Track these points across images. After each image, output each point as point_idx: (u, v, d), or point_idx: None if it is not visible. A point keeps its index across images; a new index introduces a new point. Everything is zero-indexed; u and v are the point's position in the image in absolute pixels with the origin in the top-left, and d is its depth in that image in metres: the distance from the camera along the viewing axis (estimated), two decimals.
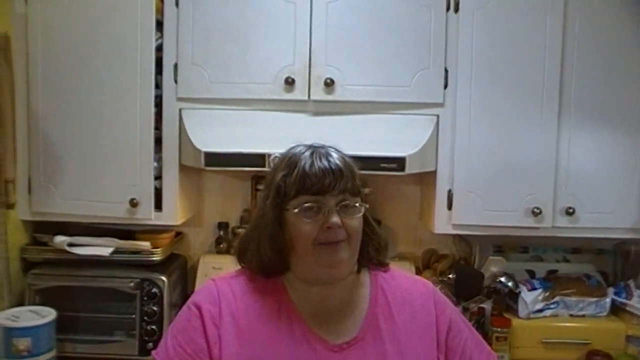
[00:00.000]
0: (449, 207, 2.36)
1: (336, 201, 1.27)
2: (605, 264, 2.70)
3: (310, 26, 2.29)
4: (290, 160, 1.31)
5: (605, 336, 2.39)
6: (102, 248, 2.38)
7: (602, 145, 2.33)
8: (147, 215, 2.34)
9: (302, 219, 1.27)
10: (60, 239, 2.37)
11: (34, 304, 2.33)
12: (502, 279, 2.47)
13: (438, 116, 2.33)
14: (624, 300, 2.45)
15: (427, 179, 2.53)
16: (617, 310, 2.49)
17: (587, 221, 2.35)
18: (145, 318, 2.36)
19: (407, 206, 2.76)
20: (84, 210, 2.36)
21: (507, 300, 2.51)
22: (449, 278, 2.55)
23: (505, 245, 2.68)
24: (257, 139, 2.24)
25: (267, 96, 2.32)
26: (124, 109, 2.31)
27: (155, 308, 2.36)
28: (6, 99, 2.24)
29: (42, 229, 2.49)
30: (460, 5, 2.29)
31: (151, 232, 2.49)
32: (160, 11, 2.31)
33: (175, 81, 2.33)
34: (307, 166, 1.28)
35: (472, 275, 2.53)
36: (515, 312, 2.46)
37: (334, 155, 1.31)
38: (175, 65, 2.33)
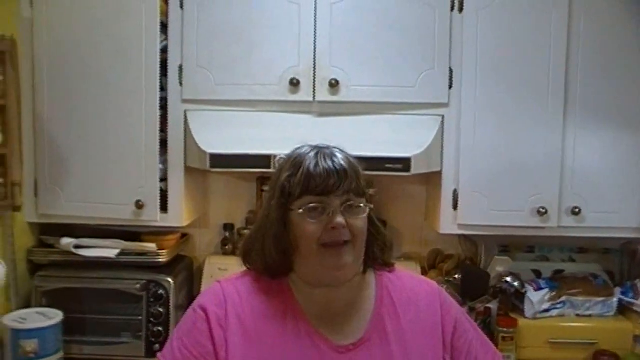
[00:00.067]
0: (455, 207, 2.36)
1: (341, 201, 1.27)
2: (612, 263, 2.70)
3: (315, 27, 2.29)
4: (295, 161, 1.32)
5: (613, 336, 2.38)
6: (108, 250, 2.38)
7: (608, 144, 2.32)
8: (153, 217, 2.35)
9: (307, 219, 1.27)
10: (67, 241, 2.38)
11: (41, 306, 2.34)
12: (508, 279, 2.47)
13: (443, 116, 2.33)
14: (631, 300, 2.44)
15: (432, 179, 2.53)
16: (624, 310, 2.48)
17: (593, 221, 2.34)
18: (152, 319, 2.37)
19: (412, 206, 2.76)
20: (90, 212, 2.37)
21: (514, 300, 2.50)
22: (455, 278, 2.55)
23: (511, 245, 2.67)
24: (262, 140, 2.24)
25: (272, 97, 2.32)
26: (129, 111, 2.31)
27: (161, 309, 2.36)
28: (12, 102, 2.25)
29: (48, 231, 2.50)
30: (465, 5, 2.29)
31: (157, 233, 2.49)
32: (164, 13, 2.32)
33: (181, 83, 2.34)
34: (311, 167, 1.28)
35: (478, 275, 2.52)
36: (521, 312, 2.45)
37: (339, 155, 1.31)
38: (180, 67, 2.33)
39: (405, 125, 2.31)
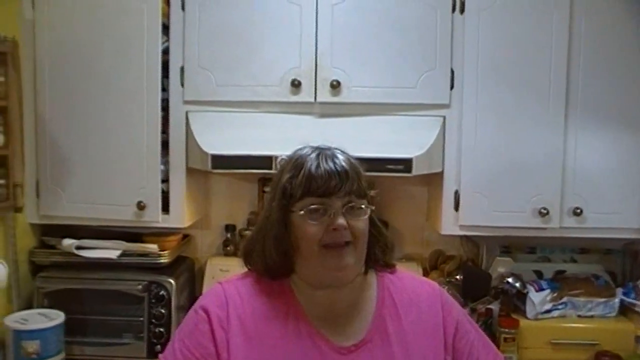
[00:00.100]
0: (456, 208, 2.36)
1: (342, 203, 1.27)
2: (614, 264, 2.69)
3: (316, 28, 2.29)
4: (296, 162, 1.31)
5: (614, 337, 2.37)
6: (110, 251, 2.39)
7: (609, 145, 2.32)
8: (155, 218, 2.35)
9: (308, 220, 1.26)
10: (68, 242, 2.39)
11: (43, 306, 2.34)
12: (510, 280, 2.47)
13: (444, 117, 2.33)
14: (633, 301, 2.44)
15: (433, 180, 2.53)
16: (626, 310, 2.47)
17: (594, 221, 2.34)
18: (153, 320, 2.37)
19: (414, 207, 2.76)
20: (92, 213, 2.37)
21: (515, 301, 2.50)
22: (457, 279, 2.55)
23: (512, 245, 2.67)
24: (263, 141, 2.25)
25: (273, 98, 2.32)
26: (130, 112, 2.32)
27: (163, 310, 2.37)
28: (14, 103, 2.25)
29: (50, 232, 2.51)
30: (466, 6, 2.29)
31: (158, 234, 2.49)
32: (166, 14, 2.32)
33: (182, 84, 2.34)
34: (313, 168, 1.28)
35: (480, 276, 2.52)
36: (523, 313, 2.45)
37: (340, 157, 1.31)
38: (182, 69, 2.34)
39: (407, 126, 2.31)
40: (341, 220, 1.25)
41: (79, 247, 2.38)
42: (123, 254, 2.39)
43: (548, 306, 2.43)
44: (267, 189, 2.53)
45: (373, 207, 1.33)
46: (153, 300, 2.37)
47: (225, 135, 2.30)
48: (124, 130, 2.33)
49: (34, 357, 2.13)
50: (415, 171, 2.21)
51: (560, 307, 2.44)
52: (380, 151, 2.19)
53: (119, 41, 2.31)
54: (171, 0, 2.32)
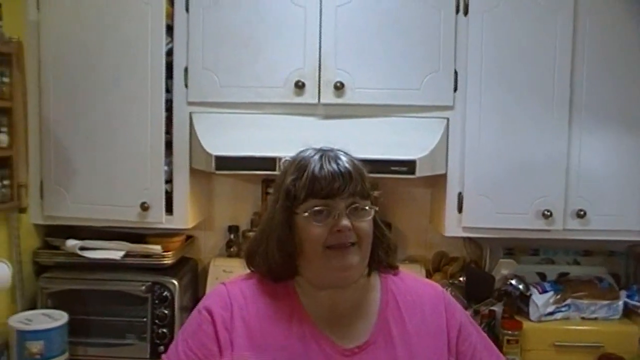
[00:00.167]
0: (460, 209, 2.35)
1: (346, 204, 1.27)
2: (617, 266, 2.69)
3: (320, 30, 2.29)
4: (299, 164, 1.31)
5: (618, 339, 2.37)
6: (114, 252, 2.39)
7: (613, 147, 2.32)
8: (158, 219, 2.35)
9: (312, 222, 1.26)
10: (72, 243, 2.39)
11: (46, 307, 2.34)
12: (513, 282, 2.47)
13: (448, 119, 2.33)
14: (637, 303, 2.44)
15: (437, 182, 2.53)
16: (629, 313, 2.47)
17: (598, 223, 2.33)
18: (157, 321, 2.37)
19: (417, 209, 2.76)
20: (96, 214, 2.37)
21: (518, 303, 2.50)
22: (460, 281, 2.54)
23: (515, 247, 2.66)
24: (267, 143, 2.25)
25: (277, 100, 2.32)
26: (134, 113, 2.32)
27: (166, 311, 2.37)
28: (18, 104, 2.26)
29: (53, 233, 2.51)
30: (470, 7, 2.28)
31: (162, 235, 2.50)
32: (170, 16, 2.32)
33: (186, 85, 2.34)
34: (316, 170, 1.28)
35: (483, 278, 2.52)
36: (526, 315, 2.45)
37: (343, 158, 1.31)
38: (186, 70, 2.34)
39: (410, 128, 2.31)
40: (345, 222, 1.26)
41: (82, 248, 2.38)
42: (127, 255, 2.39)
43: (551, 308, 2.42)
44: (270, 190, 2.54)
45: (377, 208, 1.33)
46: (156, 301, 2.37)
47: (229, 136, 2.30)
48: (127, 131, 2.33)
49: (38, 358, 2.14)
50: (419, 173, 2.21)
51: (563, 309, 2.44)
52: (384, 153, 2.19)
53: (123, 42, 2.31)
54: (175, 1, 2.33)
